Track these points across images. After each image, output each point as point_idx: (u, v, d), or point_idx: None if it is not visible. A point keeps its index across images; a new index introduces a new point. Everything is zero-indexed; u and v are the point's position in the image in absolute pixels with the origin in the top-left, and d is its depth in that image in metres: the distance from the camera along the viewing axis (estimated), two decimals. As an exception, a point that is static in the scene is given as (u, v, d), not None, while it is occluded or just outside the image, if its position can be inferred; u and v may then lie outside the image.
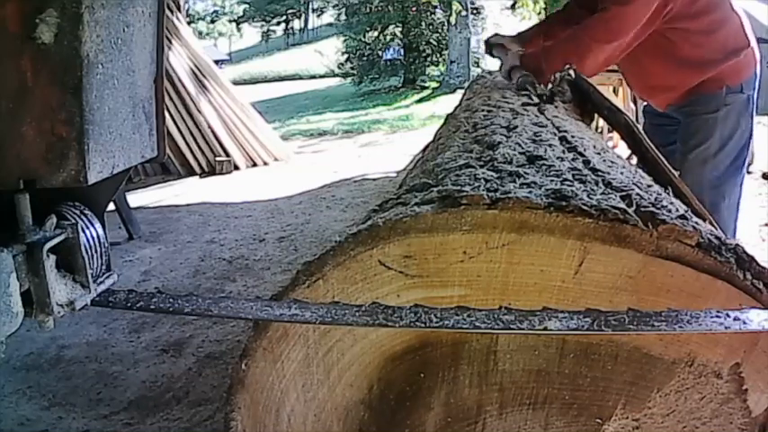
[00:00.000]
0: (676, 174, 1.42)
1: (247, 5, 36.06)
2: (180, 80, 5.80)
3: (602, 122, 2.04)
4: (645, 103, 2.28)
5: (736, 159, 1.90)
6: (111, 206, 2.48)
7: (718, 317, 0.70)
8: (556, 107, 1.57)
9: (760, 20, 5.69)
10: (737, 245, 0.81)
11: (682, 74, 1.88)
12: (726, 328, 0.70)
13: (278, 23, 37.67)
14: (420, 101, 14.01)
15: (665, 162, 1.37)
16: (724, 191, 1.89)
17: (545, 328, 0.70)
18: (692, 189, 1.35)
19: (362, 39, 17.35)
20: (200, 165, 5.97)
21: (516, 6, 12.66)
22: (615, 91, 4.77)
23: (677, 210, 0.87)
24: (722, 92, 1.85)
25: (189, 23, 8.14)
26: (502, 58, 2.01)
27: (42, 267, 0.71)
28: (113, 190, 0.91)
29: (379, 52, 17.24)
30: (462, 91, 2.85)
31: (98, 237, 0.82)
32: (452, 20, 14.23)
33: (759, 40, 1.97)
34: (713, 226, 0.99)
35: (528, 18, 10.49)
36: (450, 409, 0.87)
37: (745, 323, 0.70)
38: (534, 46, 2.06)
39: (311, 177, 5.53)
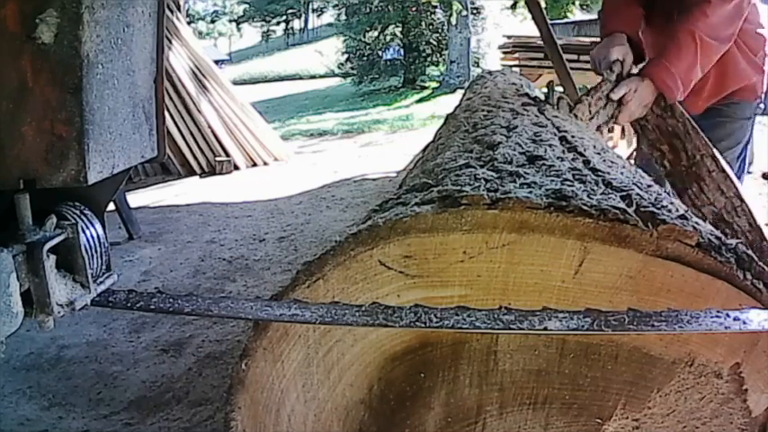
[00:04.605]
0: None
1: (247, 5, 36.01)
2: (180, 80, 5.80)
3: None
4: None
5: (740, 168, 1.94)
6: (111, 206, 2.48)
7: (718, 317, 0.70)
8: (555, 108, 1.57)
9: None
10: (737, 245, 0.81)
11: (746, 72, 1.87)
12: (726, 328, 0.70)
13: (278, 23, 37.63)
14: (420, 101, 14.00)
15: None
16: None
17: (545, 328, 0.70)
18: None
19: (362, 39, 17.34)
20: (200, 165, 5.97)
21: (516, 6, 12.66)
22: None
23: (677, 210, 0.87)
24: (756, 101, 1.91)
25: (189, 23, 8.14)
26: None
27: (42, 267, 0.71)
28: (113, 190, 0.91)
29: (379, 52, 17.23)
30: (462, 91, 2.84)
31: (98, 237, 0.82)
32: (452, 20, 14.25)
33: None
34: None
35: (528, 18, 10.47)
36: (450, 409, 0.86)
37: (745, 323, 0.70)
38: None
39: (311, 177, 5.53)
